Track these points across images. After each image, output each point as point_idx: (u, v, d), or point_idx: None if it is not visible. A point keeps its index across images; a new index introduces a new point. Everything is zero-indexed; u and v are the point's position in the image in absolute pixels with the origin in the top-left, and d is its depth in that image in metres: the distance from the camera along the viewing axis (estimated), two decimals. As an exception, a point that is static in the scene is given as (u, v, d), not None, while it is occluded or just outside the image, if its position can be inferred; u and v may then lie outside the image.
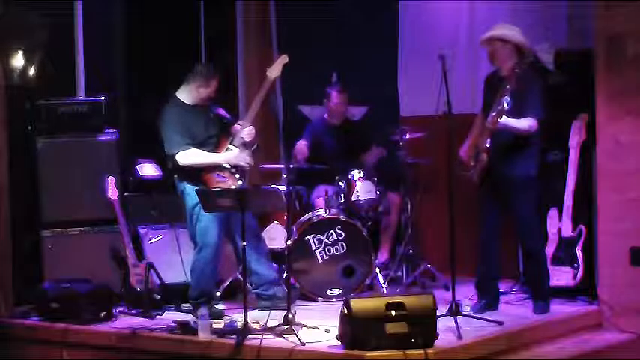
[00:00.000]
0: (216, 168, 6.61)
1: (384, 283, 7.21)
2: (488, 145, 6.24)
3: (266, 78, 6.77)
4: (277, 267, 7.36)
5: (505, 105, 6.07)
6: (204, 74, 6.65)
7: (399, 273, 7.50)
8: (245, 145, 6.69)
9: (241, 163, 6.64)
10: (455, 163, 6.38)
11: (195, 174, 6.57)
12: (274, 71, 6.78)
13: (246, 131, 6.67)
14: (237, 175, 6.64)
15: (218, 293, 6.94)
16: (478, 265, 6.62)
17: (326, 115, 7.92)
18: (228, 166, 6.63)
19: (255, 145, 6.81)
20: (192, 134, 6.58)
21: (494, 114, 6.12)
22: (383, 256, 7.64)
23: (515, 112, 6.19)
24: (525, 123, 6.23)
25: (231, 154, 6.65)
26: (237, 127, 6.72)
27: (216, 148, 6.67)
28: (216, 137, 6.70)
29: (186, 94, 6.68)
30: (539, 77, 6.46)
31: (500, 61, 6.37)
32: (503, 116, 6.11)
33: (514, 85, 6.10)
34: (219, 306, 6.67)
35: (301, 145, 7.63)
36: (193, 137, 6.58)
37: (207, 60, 8.49)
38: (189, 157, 6.53)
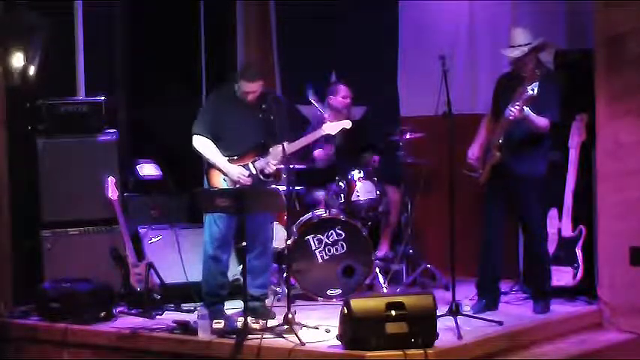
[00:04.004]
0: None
1: (384, 283, 7.21)
2: (500, 142, 6.25)
3: (320, 129, 6.67)
4: (277, 267, 7.35)
5: (536, 90, 6.01)
6: (241, 74, 6.47)
7: (399, 269, 7.49)
8: (262, 172, 6.50)
9: (235, 179, 6.42)
10: (463, 163, 6.39)
11: (206, 163, 6.52)
12: (331, 129, 6.69)
13: (273, 162, 6.49)
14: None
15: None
16: (480, 265, 6.62)
17: (327, 115, 7.83)
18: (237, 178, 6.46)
19: (271, 179, 6.57)
20: (219, 124, 6.46)
21: (518, 103, 6.07)
22: (382, 250, 7.64)
23: (534, 112, 6.18)
24: (543, 120, 6.25)
25: (231, 167, 6.45)
26: (272, 150, 6.48)
27: (240, 152, 6.50)
28: (245, 142, 6.50)
29: (237, 86, 6.52)
30: (557, 79, 6.44)
31: (521, 64, 6.36)
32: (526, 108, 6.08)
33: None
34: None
35: (319, 151, 7.63)
36: (218, 127, 6.46)
37: (209, 60, 8.50)
38: (199, 142, 6.45)
